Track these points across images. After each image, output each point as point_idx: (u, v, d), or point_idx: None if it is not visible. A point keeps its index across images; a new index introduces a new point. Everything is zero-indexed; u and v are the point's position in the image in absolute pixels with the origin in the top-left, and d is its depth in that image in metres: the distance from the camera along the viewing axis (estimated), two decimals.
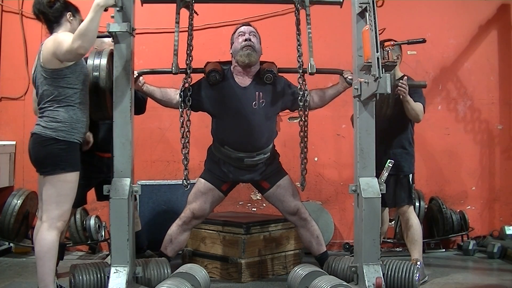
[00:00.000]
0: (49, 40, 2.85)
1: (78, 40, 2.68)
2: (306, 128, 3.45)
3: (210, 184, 3.56)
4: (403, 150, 3.70)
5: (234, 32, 3.57)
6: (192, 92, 3.45)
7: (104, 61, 3.04)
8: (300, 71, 3.39)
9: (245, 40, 3.44)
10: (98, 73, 3.01)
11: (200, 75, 3.55)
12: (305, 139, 3.46)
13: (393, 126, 3.65)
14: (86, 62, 3.03)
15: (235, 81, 3.50)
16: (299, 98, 3.40)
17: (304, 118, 3.43)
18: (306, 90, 3.44)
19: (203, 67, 3.53)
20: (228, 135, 3.51)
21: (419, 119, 3.66)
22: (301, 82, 3.40)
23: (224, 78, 3.50)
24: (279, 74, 3.54)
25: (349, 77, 3.39)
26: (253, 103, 3.46)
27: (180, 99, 3.40)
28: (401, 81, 3.51)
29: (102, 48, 3.53)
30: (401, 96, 3.50)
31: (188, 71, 3.36)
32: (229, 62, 3.57)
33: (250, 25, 3.59)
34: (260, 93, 3.48)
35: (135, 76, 3.26)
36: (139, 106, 3.58)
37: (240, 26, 3.57)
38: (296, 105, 3.45)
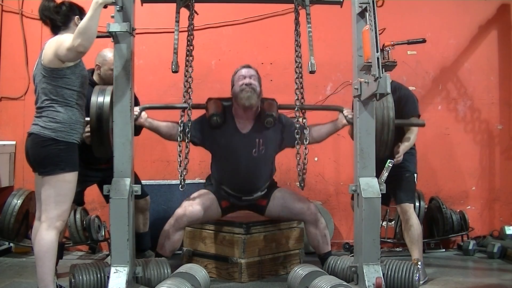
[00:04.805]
0: (53, 41, 2.86)
1: (78, 38, 2.69)
2: (305, 147, 3.39)
3: (213, 195, 3.61)
4: (407, 152, 3.70)
5: (235, 74, 3.55)
6: (193, 129, 3.41)
7: (107, 99, 3.02)
8: (298, 104, 3.37)
9: (246, 84, 3.43)
10: (101, 111, 2.99)
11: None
12: (304, 165, 3.39)
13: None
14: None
15: (236, 126, 3.50)
16: (296, 120, 3.38)
17: (304, 145, 3.39)
18: (305, 120, 3.42)
19: (204, 103, 3.52)
20: (226, 178, 3.57)
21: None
22: (298, 91, 3.37)
23: (225, 120, 3.48)
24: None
25: (349, 116, 3.39)
26: (253, 150, 3.48)
27: (179, 133, 3.34)
28: (397, 156, 3.51)
29: (105, 78, 3.54)
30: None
31: (189, 70, 3.34)
32: (230, 99, 3.55)
33: (250, 67, 3.57)
34: (261, 140, 3.49)
35: (137, 112, 3.26)
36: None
37: (241, 69, 3.55)
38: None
